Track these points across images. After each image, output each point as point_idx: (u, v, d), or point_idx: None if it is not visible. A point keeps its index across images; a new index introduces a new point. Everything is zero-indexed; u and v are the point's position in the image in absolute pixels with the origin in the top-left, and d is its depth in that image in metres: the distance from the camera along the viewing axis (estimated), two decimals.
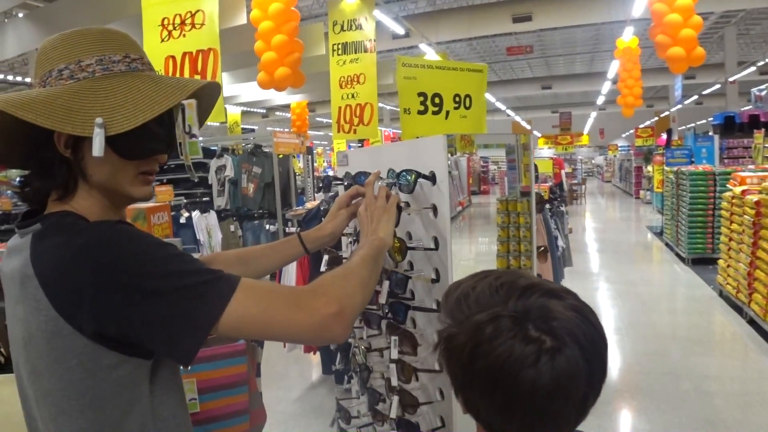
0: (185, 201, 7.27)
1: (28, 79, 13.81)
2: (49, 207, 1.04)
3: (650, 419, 4.16)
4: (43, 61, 1.01)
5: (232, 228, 7.54)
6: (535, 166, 3.06)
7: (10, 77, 15.98)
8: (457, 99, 2.61)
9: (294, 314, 0.96)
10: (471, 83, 2.65)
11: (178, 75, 5.30)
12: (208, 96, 1.15)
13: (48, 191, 1.02)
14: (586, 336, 0.80)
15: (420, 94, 2.53)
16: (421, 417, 1.52)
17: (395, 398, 1.47)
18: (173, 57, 5.31)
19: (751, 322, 6.03)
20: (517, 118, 26.45)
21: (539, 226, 4.15)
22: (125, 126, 0.96)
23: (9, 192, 14.51)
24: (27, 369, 0.99)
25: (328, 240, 1.47)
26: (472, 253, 10.21)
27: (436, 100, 2.57)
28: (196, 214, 6.69)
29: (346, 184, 1.69)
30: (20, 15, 8.80)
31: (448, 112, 2.58)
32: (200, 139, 1.22)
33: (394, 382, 1.45)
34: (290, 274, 4.19)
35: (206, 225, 6.73)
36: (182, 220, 6.52)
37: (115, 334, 0.91)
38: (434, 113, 2.56)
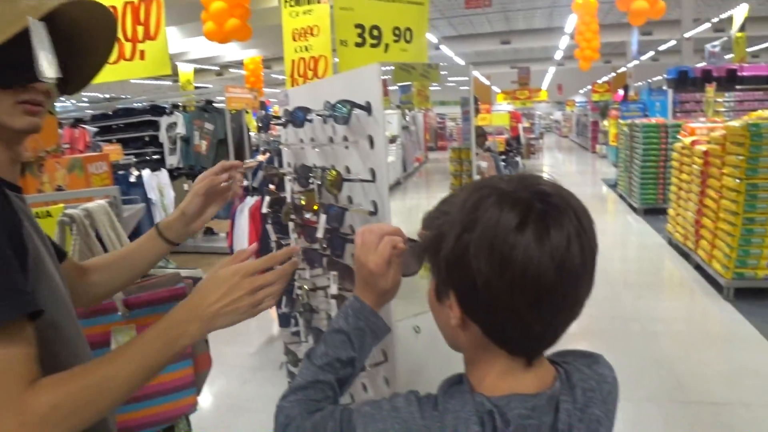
0: (135, 160, 7.07)
1: None
2: None
3: None
4: None
5: (186, 187, 7.38)
6: (476, 98, 3.04)
7: None
8: (397, 32, 2.54)
9: None
10: (411, 16, 2.58)
11: (119, 25, 5.07)
12: (97, 25, 1.03)
13: None
14: (582, 211, 0.76)
15: (357, 26, 2.46)
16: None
17: None
18: (114, 7, 5.06)
19: (698, 268, 6.25)
20: (476, 73, 26.34)
21: (490, 170, 4.19)
22: None
23: None
24: None
25: (185, 233, 1.30)
26: (429, 208, 10.24)
27: (375, 33, 2.50)
28: (146, 172, 6.52)
29: (284, 120, 1.64)
30: None
31: (387, 45, 2.53)
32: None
33: None
34: (242, 229, 4.13)
35: (157, 184, 6.57)
36: (132, 179, 6.34)
37: None
38: (372, 46, 2.49)
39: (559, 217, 0.72)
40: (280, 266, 1.03)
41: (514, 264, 0.70)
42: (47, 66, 0.90)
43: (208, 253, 7.63)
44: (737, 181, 5.23)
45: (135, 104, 8.59)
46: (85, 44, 1.03)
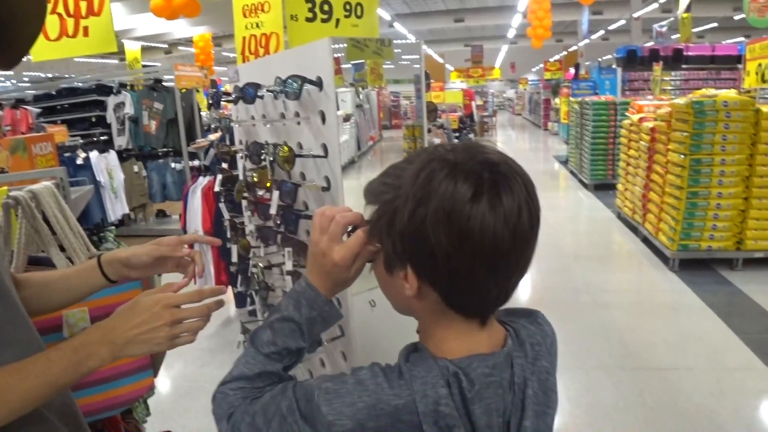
0: (81, 141, 6.85)
1: None
2: None
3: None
4: None
5: (136, 168, 7.20)
6: (427, 74, 3.05)
7: None
8: (348, 7, 2.51)
9: None
10: None
11: (61, 3, 4.87)
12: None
13: None
14: (526, 177, 0.78)
15: (308, 0, 2.42)
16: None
17: None
18: None
19: (645, 240, 6.47)
20: (430, 51, 26.34)
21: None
22: None
23: None
24: None
25: (124, 275, 1.22)
26: None
27: (325, 8, 2.46)
28: (94, 154, 6.32)
29: (235, 97, 1.61)
30: None
31: (338, 20, 2.50)
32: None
33: None
34: (195, 210, 4.06)
35: (106, 165, 6.39)
36: (79, 161, 6.14)
37: None
38: (323, 21, 2.46)
39: (508, 185, 0.74)
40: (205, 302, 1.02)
41: (472, 234, 0.72)
42: None
43: (161, 236, 7.47)
44: (682, 156, 5.41)
45: (80, 84, 8.29)
46: (12, 15, 0.98)
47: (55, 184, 2.03)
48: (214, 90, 1.71)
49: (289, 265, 1.40)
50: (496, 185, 0.73)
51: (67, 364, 0.93)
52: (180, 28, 14.91)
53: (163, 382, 3.80)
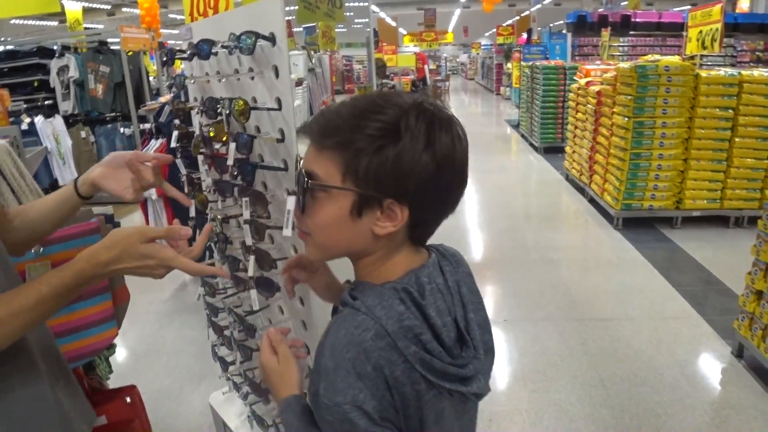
0: (25, 106, 6.62)
1: None
2: None
3: (503, 285, 4.61)
4: None
5: (83, 134, 7.01)
6: (375, 31, 3.08)
7: None
8: None
9: None
10: None
11: None
12: None
13: None
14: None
15: None
16: (279, 275, 1.60)
17: (251, 258, 1.52)
18: None
19: (591, 201, 6.72)
20: (383, 15, 26.03)
21: None
22: None
23: None
24: None
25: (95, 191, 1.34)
26: None
27: None
28: (39, 119, 6.12)
29: (189, 54, 1.64)
30: None
31: None
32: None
33: (249, 242, 1.49)
34: None
35: (52, 131, 6.20)
36: (24, 127, 5.95)
37: None
38: None
39: (455, 125, 0.89)
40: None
41: (463, 166, 0.88)
42: None
43: (113, 203, 7.34)
44: (626, 119, 5.61)
45: (18, 47, 7.95)
46: None
47: (9, 142, 2.02)
48: (166, 50, 1.72)
49: (246, 215, 1.46)
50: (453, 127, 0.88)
51: (55, 281, 0.98)
52: None
53: (122, 344, 3.82)
